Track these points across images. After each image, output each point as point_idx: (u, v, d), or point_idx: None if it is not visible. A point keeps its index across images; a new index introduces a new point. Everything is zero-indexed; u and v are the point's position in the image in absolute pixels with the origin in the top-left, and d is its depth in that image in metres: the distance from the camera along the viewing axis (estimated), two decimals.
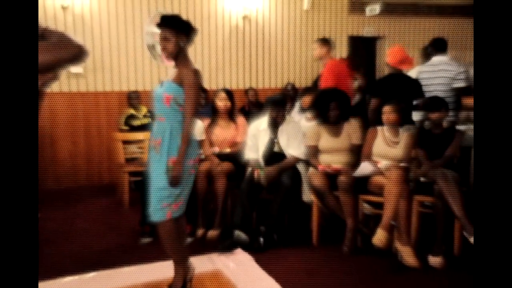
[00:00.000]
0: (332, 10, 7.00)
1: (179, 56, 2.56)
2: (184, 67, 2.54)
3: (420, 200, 3.41)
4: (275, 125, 3.82)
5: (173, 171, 2.46)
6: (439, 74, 4.48)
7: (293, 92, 6.02)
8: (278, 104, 3.82)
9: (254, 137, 3.89)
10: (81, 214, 4.52)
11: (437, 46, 4.64)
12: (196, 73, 2.53)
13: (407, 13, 7.40)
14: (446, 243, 3.23)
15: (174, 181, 2.47)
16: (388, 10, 7.12)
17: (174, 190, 2.50)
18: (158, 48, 5.65)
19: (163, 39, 2.52)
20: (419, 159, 3.54)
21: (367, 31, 7.33)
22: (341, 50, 7.05)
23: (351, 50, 7.16)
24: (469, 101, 4.51)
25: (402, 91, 4.20)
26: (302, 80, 6.81)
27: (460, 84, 4.39)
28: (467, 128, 4.12)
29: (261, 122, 3.90)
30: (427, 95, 4.26)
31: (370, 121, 4.19)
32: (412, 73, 4.87)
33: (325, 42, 4.97)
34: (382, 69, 6.89)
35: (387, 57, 4.53)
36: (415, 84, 4.39)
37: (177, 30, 2.52)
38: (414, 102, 4.26)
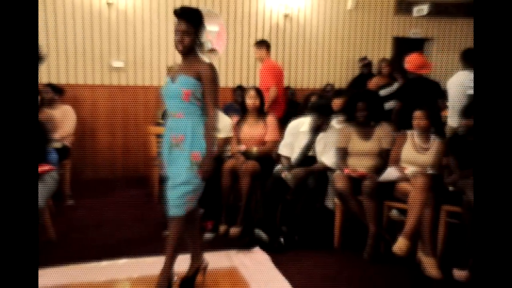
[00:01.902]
0: (377, 10, 6.81)
1: (193, 51, 2.56)
2: (201, 62, 2.53)
3: (448, 210, 3.25)
4: (316, 131, 3.76)
5: (204, 165, 2.46)
6: None
7: (332, 93, 5.92)
8: (325, 111, 3.76)
9: (292, 136, 3.85)
10: (113, 204, 4.66)
11: None
12: (213, 68, 2.53)
13: (457, 14, 7.07)
14: (473, 256, 3.05)
15: (207, 175, 2.48)
16: (437, 10, 6.85)
17: (197, 184, 2.50)
18: (208, 45, 5.75)
19: (182, 31, 2.49)
20: (450, 167, 3.37)
21: (413, 32, 7.08)
22: (385, 52, 6.86)
23: (395, 51, 6.93)
24: None
25: (423, 93, 4.47)
26: (343, 81, 6.69)
27: None
28: None
29: (303, 123, 3.85)
30: None
31: (394, 124, 4.17)
32: (456, 78, 4.65)
33: (263, 43, 5.42)
34: (430, 73, 6.62)
35: (406, 64, 4.82)
36: (434, 86, 4.70)
37: (197, 25, 2.52)
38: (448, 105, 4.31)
